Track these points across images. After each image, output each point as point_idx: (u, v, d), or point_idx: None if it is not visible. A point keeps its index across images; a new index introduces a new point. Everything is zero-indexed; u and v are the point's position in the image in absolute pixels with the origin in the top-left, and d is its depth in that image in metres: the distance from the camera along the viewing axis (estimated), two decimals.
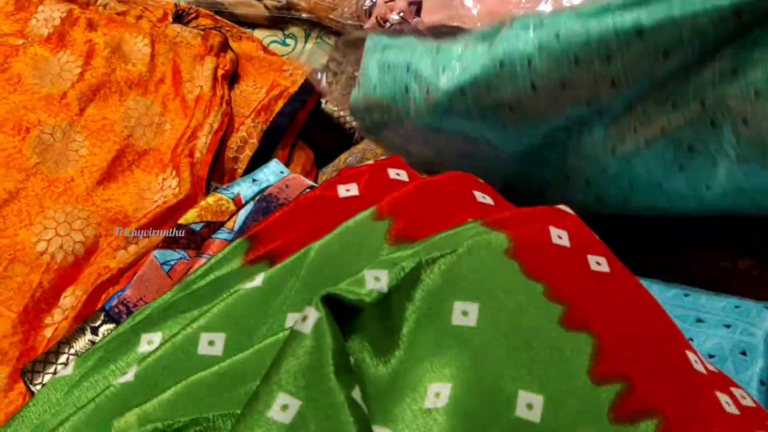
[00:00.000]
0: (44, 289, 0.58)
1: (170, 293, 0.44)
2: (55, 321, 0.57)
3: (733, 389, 0.42)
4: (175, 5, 0.78)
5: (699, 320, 0.49)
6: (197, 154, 0.66)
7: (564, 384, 0.37)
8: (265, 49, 0.80)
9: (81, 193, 0.63)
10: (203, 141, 0.67)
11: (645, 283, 0.44)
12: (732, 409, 0.39)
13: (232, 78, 0.75)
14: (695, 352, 0.42)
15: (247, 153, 0.71)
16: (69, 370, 0.42)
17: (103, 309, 0.50)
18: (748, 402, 0.41)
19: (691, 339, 0.48)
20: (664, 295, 0.52)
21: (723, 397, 0.41)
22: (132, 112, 0.69)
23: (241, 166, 0.71)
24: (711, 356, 0.46)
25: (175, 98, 0.71)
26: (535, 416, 0.36)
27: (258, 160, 0.68)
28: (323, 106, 0.82)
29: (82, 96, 0.68)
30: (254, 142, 0.72)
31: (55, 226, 0.61)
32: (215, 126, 0.68)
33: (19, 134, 0.65)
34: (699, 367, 0.41)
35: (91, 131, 0.67)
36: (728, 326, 0.48)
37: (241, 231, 0.51)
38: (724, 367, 0.45)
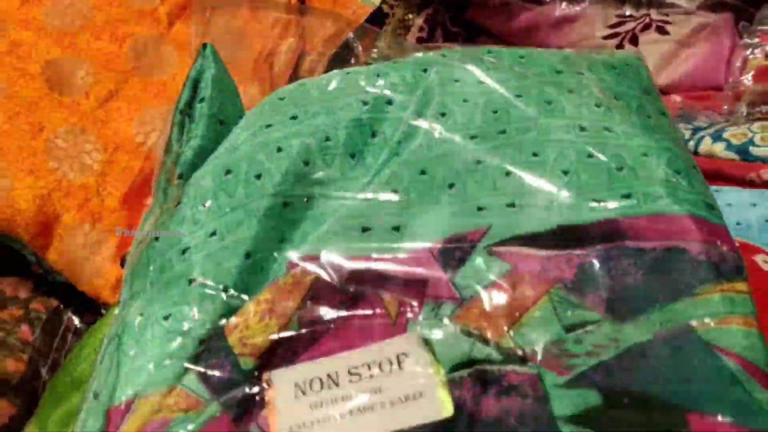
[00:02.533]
0: (145, 175, 0.65)
1: None
2: None
3: (759, 254, 0.50)
4: None
5: (728, 204, 0.57)
6: (276, 68, 0.73)
7: None
8: None
9: (173, 95, 0.70)
10: (282, 58, 0.74)
11: None
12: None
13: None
14: None
15: (317, 75, 0.78)
16: None
17: None
18: None
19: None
20: None
21: (759, 258, 0.49)
22: (214, 28, 0.76)
23: None
24: (738, 223, 0.54)
25: (251, 20, 0.78)
26: None
27: None
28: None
29: (170, 12, 0.75)
30: (320, 69, 0.79)
31: (152, 122, 0.68)
32: (293, 47, 0.75)
33: (116, 42, 0.72)
34: None
35: (178, 43, 0.74)
36: (754, 204, 0.56)
37: None
38: (750, 231, 0.53)
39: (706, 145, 0.71)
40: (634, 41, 0.84)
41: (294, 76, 0.75)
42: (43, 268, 0.62)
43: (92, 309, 0.63)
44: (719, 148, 0.70)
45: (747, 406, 0.34)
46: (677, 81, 0.83)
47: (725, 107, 0.78)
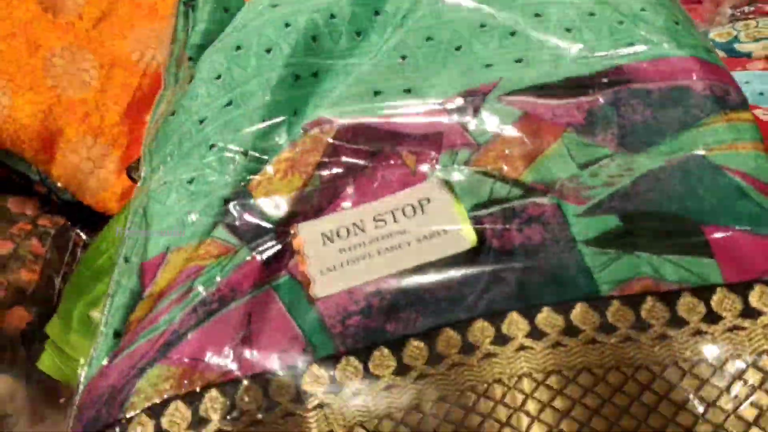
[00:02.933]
0: (143, 91, 0.65)
1: None
2: None
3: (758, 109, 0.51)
4: None
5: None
6: None
7: None
8: None
9: (165, 13, 0.70)
10: None
11: None
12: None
13: None
14: None
15: None
16: None
17: None
18: None
19: None
20: None
21: (758, 111, 0.51)
22: None
23: None
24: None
25: None
26: None
27: None
28: None
29: None
30: None
31: (146, 40, 0.68)
32: None
33: None
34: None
35: None
36: (747, 82, 0.58)
37: None
38: None
39: None
40: None
41: None
42: (47, 185, 0.62)
43: (99, 228, 0.63)
44: None
45: (758, 216, 0.36)
46: None
47: (707, 16, 0.79)
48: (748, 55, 0.71)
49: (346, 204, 0.39)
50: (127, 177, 0.62)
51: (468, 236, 0.37)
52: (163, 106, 0.45)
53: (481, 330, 0.34)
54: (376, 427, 0.32)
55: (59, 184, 0.62)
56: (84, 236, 0.62)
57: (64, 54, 0.64)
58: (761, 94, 0.55)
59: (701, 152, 0.38)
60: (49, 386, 0.52)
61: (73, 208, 0.63)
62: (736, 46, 0.72)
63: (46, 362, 0.50)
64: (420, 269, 0.36)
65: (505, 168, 0.39)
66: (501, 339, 0.34)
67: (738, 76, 0.59)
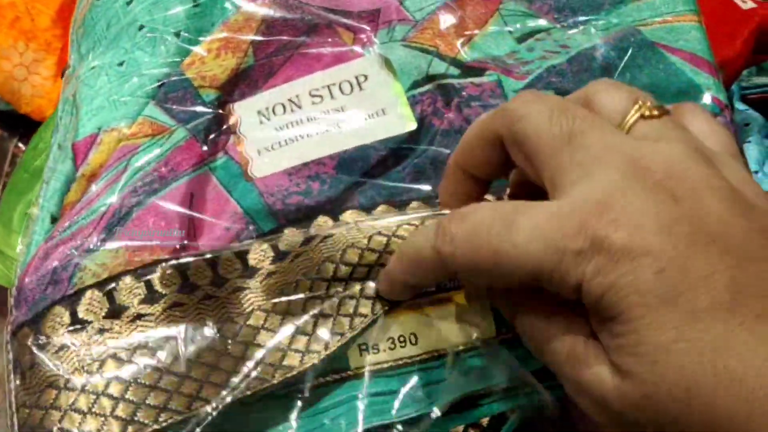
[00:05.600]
0: None
1: None
2: None
3: None
4: None
5: None
6: None
7: None
8: None
9: None
10: None
11: None
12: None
13: None
14: None
15: None
16: None
17: None
18: None
19: None
20: None
21: None
22: None
23: None
24: None
25: None
26: None
27: None
28: None
29: None
30: None
31: None
32: None
33: None
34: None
35: None
36: None
37: None
38: None
39: None
40: None
41: None
42: None
43: None
44: None
45: (689, 91, 0.36)
46: None
47: None
48: None
49: (282, 79, 0.38)
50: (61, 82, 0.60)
51: (407, 118, 0.36)
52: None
53: (420, 206, 0.34)
54: None
55: None
56: (23, 147, 0.61)
57: None
58: None
59: (637, 26, 0.38)
60: None
61: (10, 118, 0.61)
62: None
63: None
64: (360, 150, 0.36)
65: (443, 44, 0.38)
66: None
67: None
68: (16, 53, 0.60)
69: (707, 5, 0.42)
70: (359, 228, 0.32)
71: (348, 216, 0.34)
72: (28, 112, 0.60)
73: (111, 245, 0.33)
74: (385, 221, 0.33)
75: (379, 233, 0.32)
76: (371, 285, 0.32)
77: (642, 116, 0.26)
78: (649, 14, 0.38)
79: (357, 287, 0.32)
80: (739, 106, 0.49)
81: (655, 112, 0.26)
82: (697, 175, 0.24)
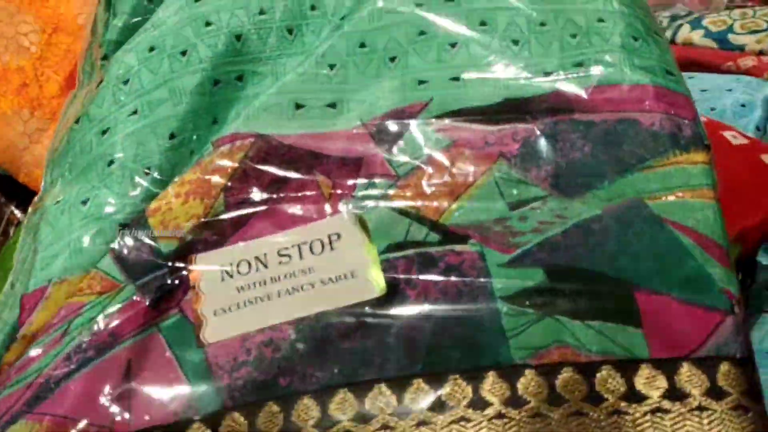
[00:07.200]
0: None
1: None
2: None
3: (729, 131, 0.47)
4: None
5: (702, 90, 0.55)
6: None
7: None
8: None
9: None
10: None
11: None
12: (739, 141, 0.45)
13: None
14: None
15: None
16: None
17: None
18: (741, 140, 0.47)
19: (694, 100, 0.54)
20: None
21: (728, 134, 0.47)
22: None
23: None
24: (712, 109, 0.51)
25: None
26: None
27: None
28: None
29: None
30: None
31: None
32: None
33: None
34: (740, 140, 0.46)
35: None
36: (729, 90, 0.53)
37: None
38: (723, 117, 0.50)
39: (684, 32, 0.67)
40: None
41: None
42: None
43: None
44: (697, 36, 0.67)
45: (698, 281, 0.32)
46: None
47: None
48: (741, 49, 0.66)
49: (252, 233, 0.36)
50: None
51: (377, 283, 0.34)
52: (72, 110, 0.41)
53: (382, 397, 0.31)
54: None
55: None
56: (19, 214, 0.59)
57: (1, 15, 0.59)
58: (743, 105, 0.51)
59: (644, 198, 0.34)
60: None
61: (9, 183, 0.60)
62: (730, 36, 0.67)
63: None
64: (322, 317, 0.33)
65: (424, 206, 0.35)
66: (401, 412, 0.31)
67: (721, 81, 0.55)
68: (20, 121, 0.58)
69: (733, 162, 0.38)
70: None
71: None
72: (26, 182, 0.59)
73: (29, 422, 0.31)
74: None
75: None
76: None
77: None
78: (658, 186, 0.35)
79: None
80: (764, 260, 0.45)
81: None
82: None
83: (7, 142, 0.58)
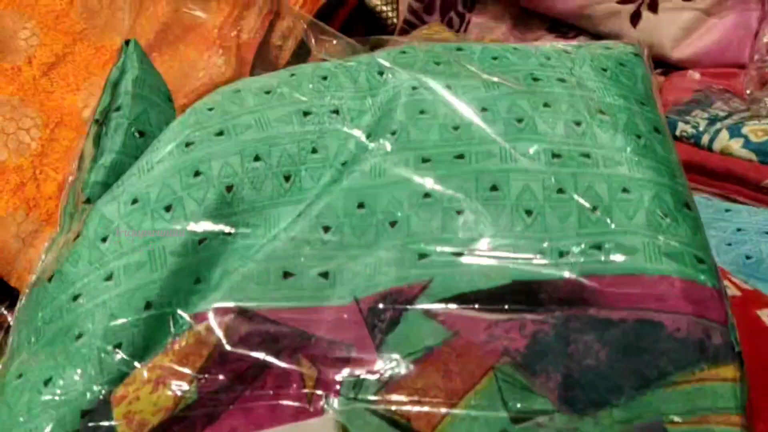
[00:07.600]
0: None
1: None
2: None
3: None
4: None
5: (739, 229, 0.50)
6: (244, 36, 0.66)
7: None
8: None
9: None
10: (252, 23, 0.66)
11: None
12: None
13: None
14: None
15: (291, 44, 0.70)
16: None
17: None
18: None
19: (729, 244, 0.49)
20: (706, 210, 0.53)
21: (765, 312, 0.42)
22: None
23: (285, 56, 0.70)
24: (748, 258, 0.47)
25: None
26: None
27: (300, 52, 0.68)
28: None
29: None
30: (299, 32, 0.71)
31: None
32: (264, 10, 0.67)
33: None
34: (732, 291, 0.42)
35: (137, 1, 0.66)
36: (767, 233, 0.49)
37: None
38: (761, 268, 0.46)
39: (723, 139, 0.63)
40: (654, 7, 0.75)
41: (264, 45, 0.67)
42: None
43: None
44: (736, 145, 0.62)
45: None
46: (698, 55, 0.74)
47: (748, 91, 0.69)
48: None
49: (225, 430, 0.32)
50: None
51: None
52: (50, 257, 0.38)
53: None
54: None
55: None
56: (9, 316, 0.57)
57: (3, 109, 0.57)
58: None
59: (664, 423, 0.31)
60: None
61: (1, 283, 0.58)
62: None
63: None
64: None
65: (416, 413, 0.32)
66: None
67: (758, 219, 0.51)
68: (14, 223, 0.56)
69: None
70: None
71: None
72: (18, 287, 0.56)
73: None
74: None
75: None
76: None
77: None
78: (681, 408, 0.31)
79: None
80: None
81: None
82: None
83: (1, 244, 0.56)
